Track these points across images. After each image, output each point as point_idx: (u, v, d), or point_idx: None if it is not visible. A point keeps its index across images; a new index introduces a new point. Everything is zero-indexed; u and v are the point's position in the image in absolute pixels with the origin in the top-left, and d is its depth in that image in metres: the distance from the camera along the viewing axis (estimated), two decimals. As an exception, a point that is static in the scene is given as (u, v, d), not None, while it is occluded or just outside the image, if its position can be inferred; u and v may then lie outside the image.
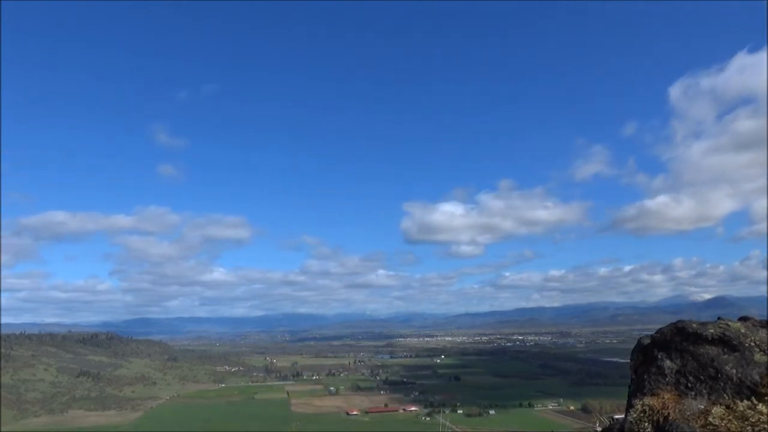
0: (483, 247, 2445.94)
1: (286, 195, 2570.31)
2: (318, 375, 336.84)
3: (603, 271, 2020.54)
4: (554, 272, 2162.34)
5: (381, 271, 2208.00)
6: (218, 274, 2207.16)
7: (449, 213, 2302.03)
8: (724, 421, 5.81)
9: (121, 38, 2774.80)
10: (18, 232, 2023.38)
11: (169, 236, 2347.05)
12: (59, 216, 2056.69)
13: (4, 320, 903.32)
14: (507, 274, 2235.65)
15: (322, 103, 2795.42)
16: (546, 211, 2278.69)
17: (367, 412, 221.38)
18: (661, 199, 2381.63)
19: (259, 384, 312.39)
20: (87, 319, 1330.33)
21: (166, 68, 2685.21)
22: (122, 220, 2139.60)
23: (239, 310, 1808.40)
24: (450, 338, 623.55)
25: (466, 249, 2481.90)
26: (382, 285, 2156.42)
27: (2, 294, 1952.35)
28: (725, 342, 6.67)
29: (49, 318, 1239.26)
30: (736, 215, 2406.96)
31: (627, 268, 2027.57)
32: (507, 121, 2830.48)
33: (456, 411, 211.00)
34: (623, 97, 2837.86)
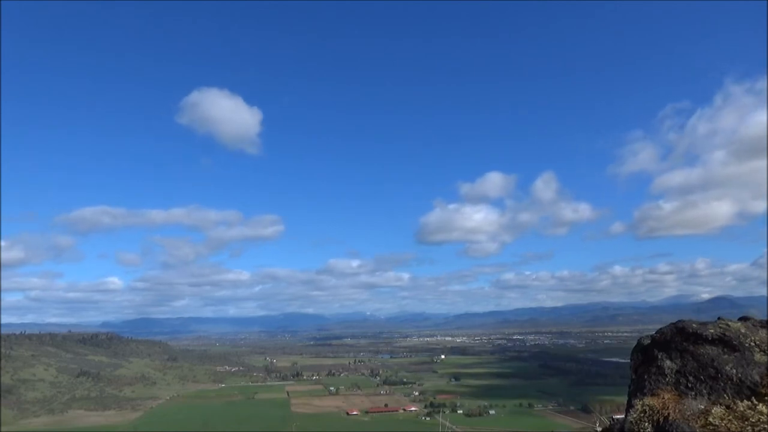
0: (489, 248, 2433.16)
1: (305, 196, 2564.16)
2: (318, 375, 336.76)
3: (609, 271, 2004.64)
4: (560, 273, 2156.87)
5: (386, 273, 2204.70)
6: (232, 274, 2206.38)
7: (460, 214, 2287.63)
8: (724, 422, 5.82)
9: (160, 42, 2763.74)
10: (46, 229, 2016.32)
11: (195, 234, 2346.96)
12: (90, 212, 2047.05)
13: (10, 320, 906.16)
14: (511, 274, 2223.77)
15: (343, 105, 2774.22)
16: (564, 212, 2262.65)
17: (367, 412, 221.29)
18: (690, 200, 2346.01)
19: (259, 384, 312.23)
20: (96, 318, 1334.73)
21: (204, 68, 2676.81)
22: (155, 217, 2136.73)
23: (243, 310, 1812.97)
24: (450, 338, 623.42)
25: (472, 250, 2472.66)
26: (385, 285, 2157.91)
27: (16, 294, 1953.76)
28: (725, 342, 6.68)
29: (59, 318, 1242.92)
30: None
31: (635, 269, 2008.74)
32: (531, 121, 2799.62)
33: (456, 411, 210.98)
34: (653, 96, 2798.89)
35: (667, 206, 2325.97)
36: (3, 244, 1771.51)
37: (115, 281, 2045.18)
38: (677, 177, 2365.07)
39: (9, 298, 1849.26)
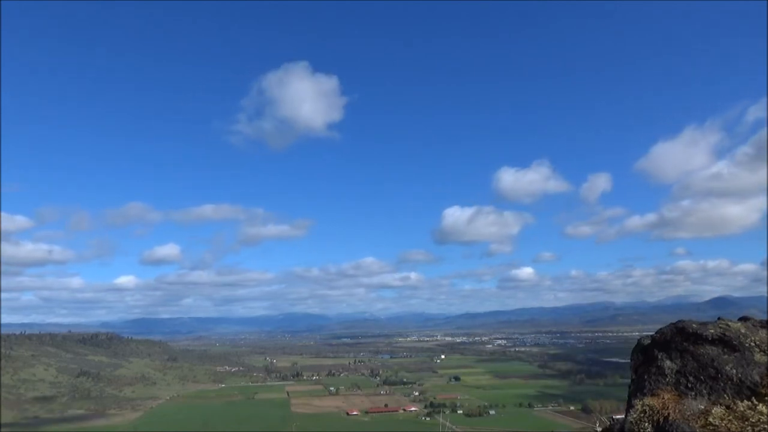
0: (495, 249, 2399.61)
1: (308, 195, 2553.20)
2: (318, 375, 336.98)
3: (623, 272, 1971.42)
4: (565, 273, 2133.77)
5: (390, 273, 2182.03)
6: (242, 274, 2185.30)
7: (467, 215, 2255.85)
8: (724, 422, 5.82)
9: (159, 42, 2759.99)
10: (69, 228, 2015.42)
11: (213, 233, 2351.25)
12: (121, 211, 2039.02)
13: (14, 319, 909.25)
14: (516, 275, 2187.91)
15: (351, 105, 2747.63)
16: (580, 212, 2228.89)
17: (367, 412, 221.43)
18: (715, 200, 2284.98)
19: (259, 384, 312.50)
20: (104, 318, 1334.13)
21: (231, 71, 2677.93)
22: (180, 217, 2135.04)
23: (246, 311, 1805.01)
24: (450, 338, 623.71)
25: (477, 251, 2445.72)
26: (388, 286, 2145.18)
27: (27, 293, 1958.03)
28: (725, 342, 6.68)
29: (65, 318, 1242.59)
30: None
31: (650, 270, 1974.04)
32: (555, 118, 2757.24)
33: (456, 411, 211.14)
34: (679, 97, 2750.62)
35: (692, 206, 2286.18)
36: (30, 245, 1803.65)
37: (129, 280, 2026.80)
38: (703, 177, 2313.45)
39: (23, 298, 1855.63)
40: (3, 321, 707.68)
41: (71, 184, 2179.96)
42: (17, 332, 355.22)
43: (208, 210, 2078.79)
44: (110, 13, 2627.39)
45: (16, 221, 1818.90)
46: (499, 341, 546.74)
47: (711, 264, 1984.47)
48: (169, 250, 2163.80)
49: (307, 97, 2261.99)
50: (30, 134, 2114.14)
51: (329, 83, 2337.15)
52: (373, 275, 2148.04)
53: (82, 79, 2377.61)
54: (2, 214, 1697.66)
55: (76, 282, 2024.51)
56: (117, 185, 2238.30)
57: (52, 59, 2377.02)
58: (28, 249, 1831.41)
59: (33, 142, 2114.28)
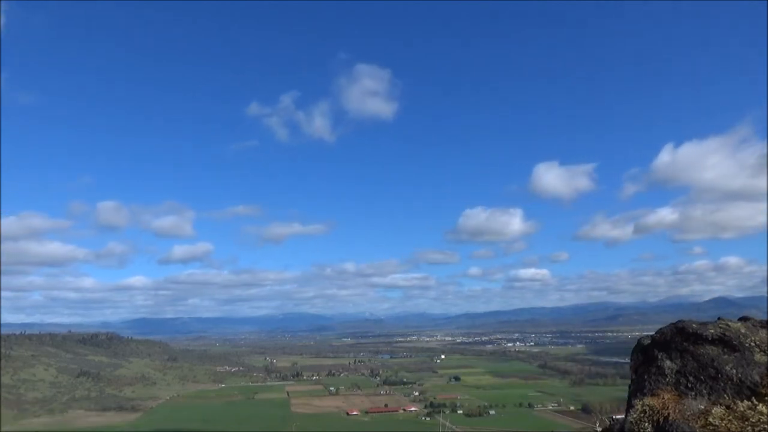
0: (499, 249, 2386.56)
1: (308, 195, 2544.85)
2: (318, 375, 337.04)
3: (622, 272, 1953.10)
4: (568, 274, 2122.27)
5: (391, 274, 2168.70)
6: (246, 274, 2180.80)
7: (483, 216, 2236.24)
8: (724, 422, 5.82)
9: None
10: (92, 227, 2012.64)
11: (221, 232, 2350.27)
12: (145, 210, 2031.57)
13: (16, 319, 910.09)
14: (518, 275, 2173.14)
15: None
16: (589, 212, 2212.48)
17: (367, 412, 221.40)
18: (734, 201, 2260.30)
19: (259, 384, 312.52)
20: (105, 318, 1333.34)
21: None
22: (207, 216, 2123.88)
23: (246, 311, 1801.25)
24: (450, 338, 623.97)
25: (482, 251, 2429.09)
26: (388, 286, 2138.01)
27: (34, 293, 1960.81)
28: (725, 342, 6.68)
29: (67, 318, 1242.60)
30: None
31: (652, 271, 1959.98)
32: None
33: (456, 411, 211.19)
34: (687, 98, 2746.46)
35: (708, 207, 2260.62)
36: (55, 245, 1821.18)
37: (139, 280, 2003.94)
38: (720, 177, 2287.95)
39: (32, 297, 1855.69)
40: (6, 320, 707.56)
41: (102, 182, 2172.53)
42: (17, 332, 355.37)
43: (233, 210, 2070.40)
44: (159, 15, 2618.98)
45: (48, 221, 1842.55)
46: (499, 341, 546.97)
47: (723, 264, 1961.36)
48: (188, 250, 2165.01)
49: (339, 97, 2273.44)
50: (51, 135, 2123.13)
51: (361, 83, 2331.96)
52: (383, 275, 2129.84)
53: (117, 81, 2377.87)
54: (34, 213, 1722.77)
55: (87, 282, 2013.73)
56: (155, 184, 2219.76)
57: (91, 61, 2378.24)
58: (52, 247, 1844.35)
59: (51, 142, 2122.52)
